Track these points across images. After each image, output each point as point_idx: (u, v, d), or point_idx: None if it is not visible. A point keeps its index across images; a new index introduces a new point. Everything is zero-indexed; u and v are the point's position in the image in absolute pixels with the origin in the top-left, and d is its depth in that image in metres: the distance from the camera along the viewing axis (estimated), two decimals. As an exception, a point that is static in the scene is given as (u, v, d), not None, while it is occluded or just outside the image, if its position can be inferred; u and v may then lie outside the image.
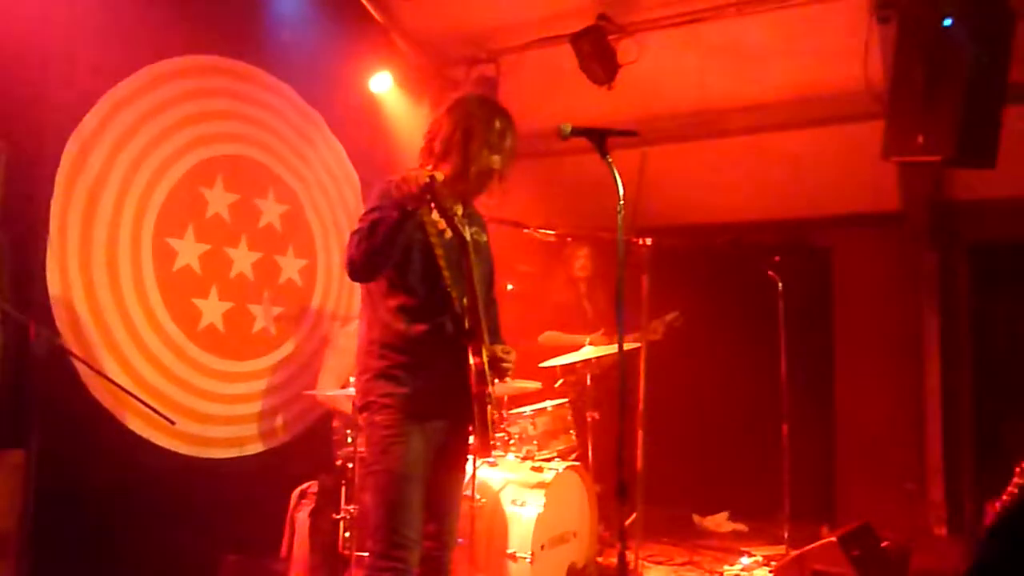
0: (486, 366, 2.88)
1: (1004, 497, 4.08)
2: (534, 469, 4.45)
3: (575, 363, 5.10)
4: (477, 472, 4.21)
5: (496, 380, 2.98)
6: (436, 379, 2.89)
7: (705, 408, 6.68)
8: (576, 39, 5.29)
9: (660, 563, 5.27)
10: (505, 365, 3.01)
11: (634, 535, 4.58)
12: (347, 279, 2.96)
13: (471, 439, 3.04)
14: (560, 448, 4.80)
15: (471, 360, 2.87)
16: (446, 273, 2.86)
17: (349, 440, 4.26)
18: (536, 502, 4.22)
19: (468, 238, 2.86)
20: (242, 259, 5.06)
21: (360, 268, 2.80)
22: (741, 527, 6.17)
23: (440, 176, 2.69)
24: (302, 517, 4.52)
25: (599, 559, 4.77)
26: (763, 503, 5.68)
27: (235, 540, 4.56)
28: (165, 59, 4.68)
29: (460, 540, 3.70)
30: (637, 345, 4.67)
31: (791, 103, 5.60)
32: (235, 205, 5.03)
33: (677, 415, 6.24)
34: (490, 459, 4.47)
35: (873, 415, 6.25)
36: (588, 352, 4.89)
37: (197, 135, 4.85)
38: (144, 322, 4.57)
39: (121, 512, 4.18)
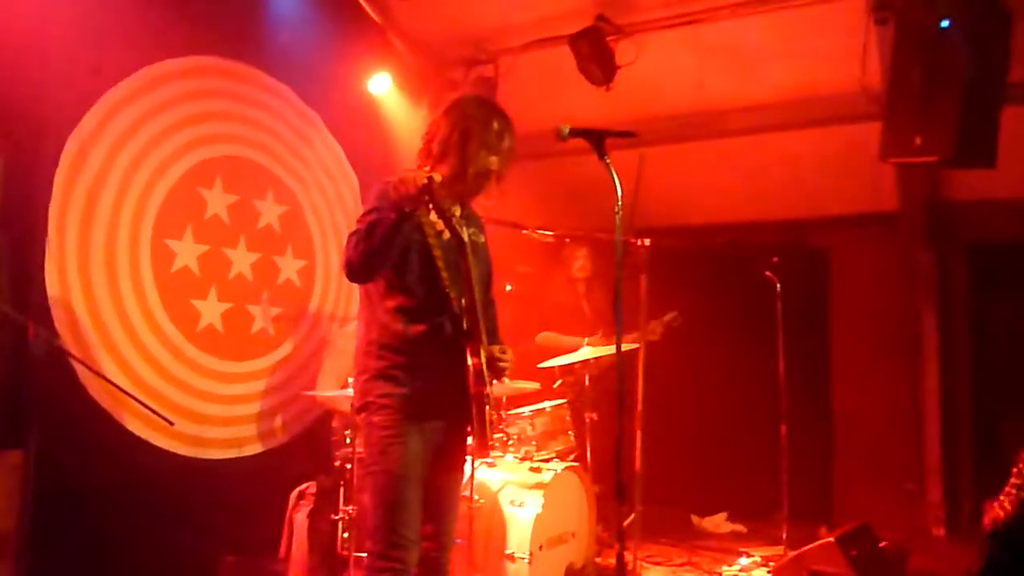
0: (484, 367, 2.89)
1: (1000, 497, 4.09)
2: (532, 470, 4.45)
3: (573, 364, 5.10)
4: (475, 472, 4.21)
5: (494, 381, 2.99)
6: (434, 380, 2.90)
7: (704, 409, 6.69)
8: (574, 40, 5.30)
9: (658, 564, 5.27)
10: (502, 366, 3.02)
11: (632, 536, 4.58)
12: (345, 280, 2.96)
13: (469, 440, 3.04)
14: (559, 449, 4.80)
15: (469, 361, 2.87)
16: (444, 274, 2.87)
17: (347, 441, 4.26)
18: (534, 503, 4.22)
19: (466, 239, 2.87)
20: (241, 260, 5.06)
21: (358, 269, 2.81)
22: (739, 527, 6.17)
23: (438, 177, 2.70)
24: (301, 518, 4.53)
25: (597, 560, 4.77)
26: (761, 503, 5.69)
27: (234, 541, 4.55)
28: (164, 60, 4.68)
29: (458, 540, 3.71)
30: (635, 346, 4.68)
31: (789, 104, 5.61)
32: (234, 206, 5.03)
33: (676, 416, 6.24)
34: (488, 459, 4.47)
35: (871, 415, 6.26)
36: (586, 353, 4.89)
37: (196, 136, 4.85)
38: (143, 323, 4.57)
39: (120, 513, 4.18)
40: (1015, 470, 4.11)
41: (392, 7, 5.84)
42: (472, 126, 2.96)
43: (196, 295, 4.83)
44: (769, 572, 4.89)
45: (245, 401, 5.07)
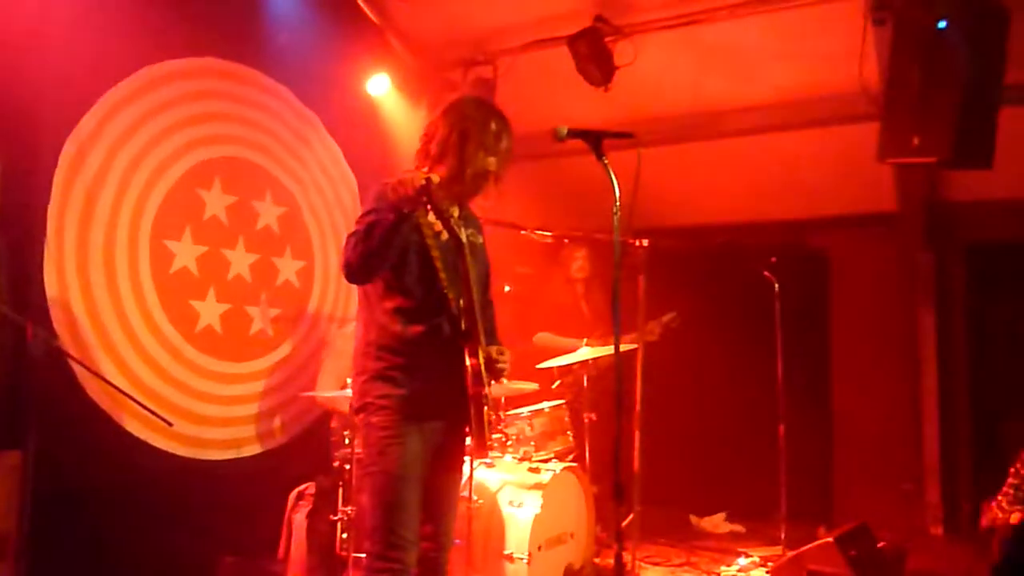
0: (482, 367, 2.90)
1: (998, 497, 4.10)
2: (531, 470, 4.46)
3: (572, 364, 5.11)
4: (474, 473, 4.21)
5: (492, 381, 2.99)
6: (433, 380, 2.90)
7: (702, 409, 6.70)
8: (573, 41, 5.30)
9: (657, 564, 5.27)
10: (500, 367, 3.02)
11: (631, 536, 4.59)
12: (344, 281, 2.96)
13: (468, 440, 3.04)
14: (557, 449, 4.81)
15: (467, 361, 2.88)
16: (442, 275, 2.88)
17: (346, 441, 4.26)
18: (533, 503, 4.22)
19: (464, 240, 2.88)
20: (240, 261, 5.07)
21: (356, 270, 2.81)
22: (738, 528, 6.17)
23: (436, 178, 2.70)
24: (299, 518, 4.53)
25: (596, 560, 4.77)
26: (760, 504, 5.70)
27: (232, 541, 4.55)
28: (162, 61, 4.68)
29: (457, 541, 3.71)
30: (634, 346, 4.68)
31: (787, 105, 5.62)
32: (233, 207, 5.04)
33: (674, 416, 6.25)
34: (487, 460, 4.48)
35: (870, 416, 6.27)
36: (585, 353, 4.90)
37: (195, 137, 4.85)
38: (141, 324, 4.57)
39: (118, 513, 4.17)
40: (1012, 470, 4.12)
41: (390, 8, 5.85)
42: (470, 127, 2.96)
43: (195, 296, 4.83)
44: (768, 572, 4.89)
45: (244, 402, 5.07)
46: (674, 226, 6.54)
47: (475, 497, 4.22)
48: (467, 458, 3.51)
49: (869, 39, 4.61)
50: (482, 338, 2.95)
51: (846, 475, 6.39)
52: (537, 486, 4.31)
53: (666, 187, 5.99)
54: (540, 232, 4.86)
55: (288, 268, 5.36)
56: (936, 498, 6.05)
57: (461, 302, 2.90)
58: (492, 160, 2.97)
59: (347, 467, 4.20)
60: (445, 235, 2.81)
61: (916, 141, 4.10)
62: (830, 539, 4.30)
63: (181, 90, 4.79)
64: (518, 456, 4.60)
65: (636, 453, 4.56)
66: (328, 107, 5.62)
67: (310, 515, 4.50)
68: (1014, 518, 3.96)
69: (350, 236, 2.81)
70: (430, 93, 6.01)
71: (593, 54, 5.29)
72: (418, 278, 2.91)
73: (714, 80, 5.64)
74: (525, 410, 4.78)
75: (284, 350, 5.30)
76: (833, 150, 5.72)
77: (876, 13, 4.51)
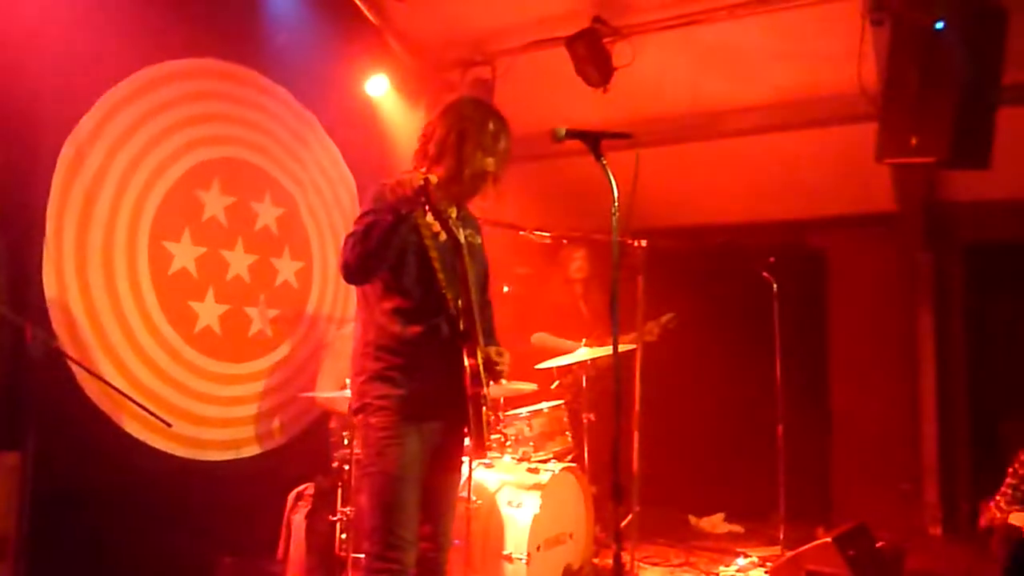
0: (481, 368, 2.90)
1: (997, 497, 4.10)
2: (530, 470, 4.46)
3: (571, 365, 5.11)
4: (473, 473, 4.22)
5: (490, 382, 2.99)
6: (432, 381, 2.90)
7: (701, 409, 6.69)
8: (571, 42, 5.30)
9: (656, 564, 5.28)
10: (500, 368, 3.03)
11: (630, 536, 4.59)
12: (343, 281, 2.97)
13: (467, 440, 3.05)
14: (556, 449, 4.81)
15: (466, 362, 2.88)
16: (441, 275, 2.88)
17: (345, 442, 4.26)
18: (532, 503, 4.22)
19: (462, 240, 2.88)
20: (238, 262, 5.07)
21: (355, 271, 2.82)
22: (737, 528, 6.17)
23: (434, 179, 2.71)
24: (298, 519, 4.53)
25: (595, 560, 4.77)
26: (759, 504, 5.70)
27: (231, 542, 4.55)
28: (161, 62, 4.69)
29: (456, 541, 3.72)
30: (633, 347, 4.68)
31: (785, 105, 5.62)
32: (231, 208, 5.04)
33: (673, 416, 6.25)
34: (486, 460, 4.48)
35: (868, 416, 6.27)
36: (584, 354, 4.90)
37: (193, 138, 4.85)
38: (140, 324, 4.58)
39: (117, 514, 4.17)
40: (1011, 470, 4.13)
41: (389, 9, 5.85)
42: (468, 128, 2.97)
43: (194, 297, 4.83)
44: (767, 572, 4.90)
45: (243, 403, 5.07)
46: (673, 226, 6.54)
47: (474, 497, 4.22)
48: (466, 458, 3.51)
49: (867, 40, 4.61)
50: (481, 339, 2.95)
51: (845, 475, 6.40)
52: (536, 486, 4.31)
53: (665, 187, 5.99)
54: (539, 232, 4.86)
55: (287, 269, 5.37)
56: (935, 498, 6.06)
57: (459, 303, 2.90)
58: (490, 160, 2.98)
59: (346, 468, 4.20)
60: (443, 236, 2.81)
61: (914, 141, 4.10)
62: (829, 539, 4.30)
63: (180, 91, 4.79)
64: (517, 456, 4.61)
65: (635, 453, 4.56)
66: (327, 108, 5.62)
67: (309, 516, 4.50)
68: (1012, 518, 3.97)
69: (348, 237, 2.82)
70: (429, 94, 6.02)
71: (591, 55, 5.29)
72: (416, 279, 2.91)
73: (712, 81, 5.65)
74: (524, 410, 4.78)
75: (283, 351, 5.30)
76: (831, 150, 5.72)
77: (874, 14, 4.51)
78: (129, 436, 4.43)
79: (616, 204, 2.66)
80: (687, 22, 5.24)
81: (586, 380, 5.18)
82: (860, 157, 4.64)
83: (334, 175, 5.73)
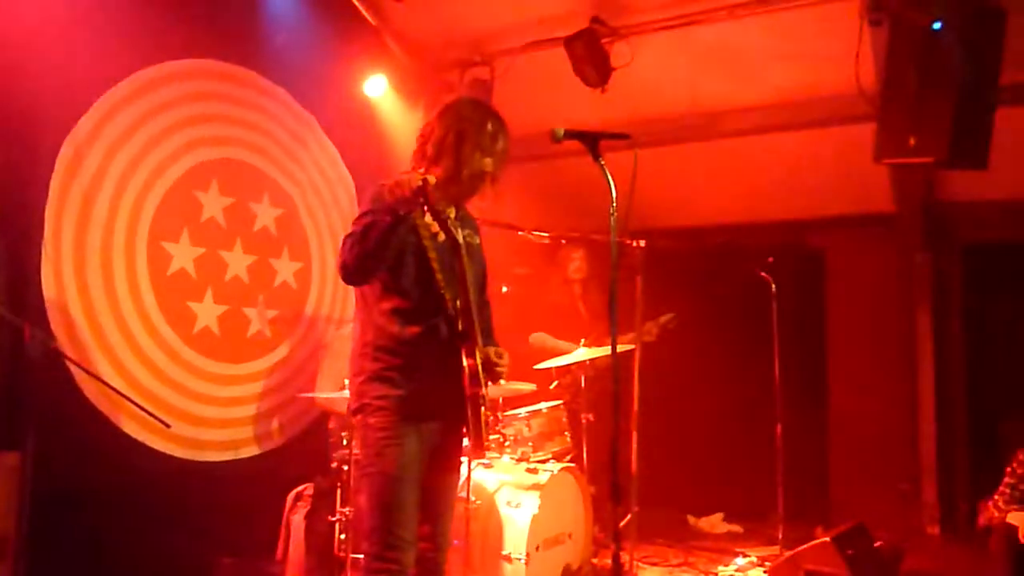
0: (480, 368, 2.90)
1: (995, 497, 4.11)
2: (529, 471, 4.46)
3: (570, 365, 5.11)
4: (472, 474, 4.22)
5: (489, 383, 3.00)
6: (430, 381, 2.90)
7: (700, 409, 6.70)
8: (569, 42, 5.30)
9: (655, 564, 5.28)
10: (499, 369, 3.03)
11: (629, 536, 4.59)
12: (341, 282, 2.97)
13: (466, 441, 3.05)
14: (555, 450, 4.81)
15: (465, 362, 2.88)
16: (439, 276, 2.88)
17: (344, 443, 4.26)
18: (531, 503, 4.22)
19: (461, 240, 2.88)
20: (237, 262, 5.07)
21: (353, 271, 2.82)
22: (736, 528, 6.18)
23: (432, 179, 2.71)
24: (298, 519, 4.53)
25: (594, 560, 4.78)
26: (758, 504, 5.71)
27: (230, 543, 4.55)
28: (159, 63, 4.69)
29: (455, 542, 3.72)
30: (631, 347, 4.68)
31: (784, 106, 5.63)
32: (230, 208, 5.04)
33: (672, 417, 6.26)
34: (485, 460, 4.48)
35: (867, 415, 6.27)
36: (582, 354, 4.90)
37: (192, 139, 4.86)
38: (139, 325, 4.58)
39: (116, 515, 4.17)
40: (1009, 469, 4.13)
41: (387, 9, 5.85)
42: (466, 128, 2.97)
43: (192, 297, 4.83)
44: (765, 572, 4.90)
45: (242, 403, 5.07)
46: (671, 227, 6.55)
47: (473, 498, 4.22)
48: (464, 459, 3.52)
49: (865, 40, 4.61)
50: (479, 339, 2.95)
51: (843, 475, 6.40)
52: (535, 487, 4.31)
53: (663, 188, 6.00)
54: (537, 233, 4.86)
55: (286, 269, 5.37)
56: (933, 498, 6.06)
57: (458, 303, 2.90)
58: (488, 161, 2.98)
59: (345, 468, 4.20)
60: (442, 236, 2.81)
61: (913, 141, 4.11)
62: (827, 539, 4.31)
63: (178, 92, 4.79)
64: (516, 457, 4.61)
65: (634, 454, 4.56)
66: (325, 108, 5.62)
67: (308, 516, 4.50)
68: (1011, 517, 3.97)
69: (346, 237, 2.82)
70: (427, 94, 6.02)
71: (590, 55, 5.29)
72: (415, 279, 2.91)
73: (711, 81, 5.65)
74: (523, 411, 4.78)
75: (282, 351, 5.30)
76: (830, 151, 5.73)
77: (872, 14, 4.51)
78: (128, 437, 4.43)
79: (614, 204, 2.66)
80: (685, 22, 5.25)
81: (585, 380, 5.18)
82: (858, 157, 4.65)
83: (333, 176, 5.73)
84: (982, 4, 4.08)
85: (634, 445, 4.56)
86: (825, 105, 5.38)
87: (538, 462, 4.57)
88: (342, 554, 4.17)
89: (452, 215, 2.84)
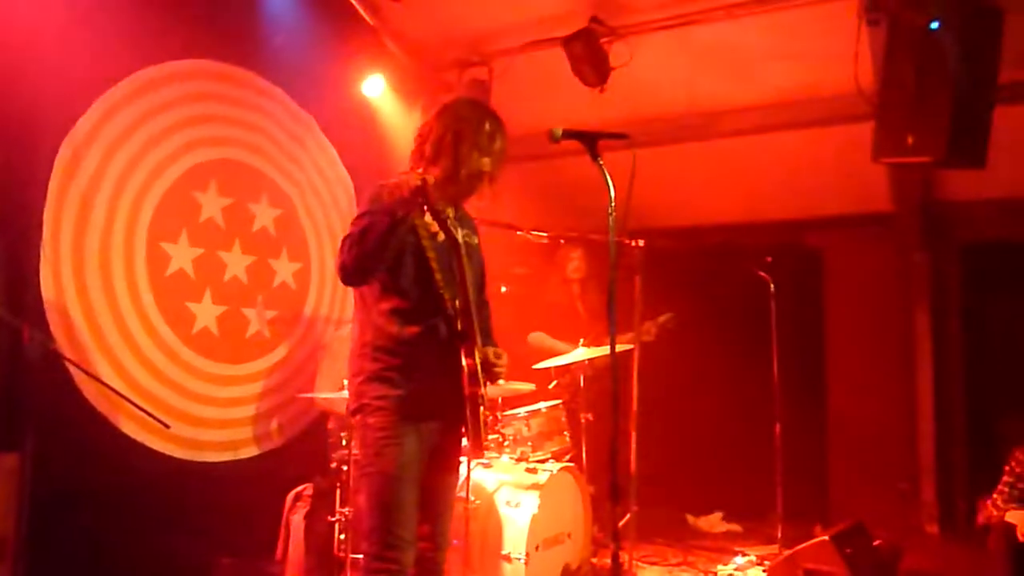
0: (479, 368, 2.90)
1: (993, 496, 4.11)
2: (528, 470, 4.46)
3: (569, 365, 5.11)
4: (472, 473, 4.22)
5: (488, 383, 3.00)
6: (429, 381, 2.90)
7: (698, 409, 6.70)
8: (568, 42, 5.30)
9: (654, 563, 5.29)
10: (497, 370, 3.03)
11: (628, 536, 4.59)
12: (340, 282, 2.97)
13: (464, 440, 3.05)
14: (554, 449, 4.81)
15: (464, 362, 2.88)
16: (438, 276, 2.89)
17: (344, 443, 4.26)
18: (530, 503, 4.23)
19: (460, 240, 2.88)
20: (236, 263, 5.07)
21: (352, 273, 2.82)
22: (735, 527, 6.19)
23: (431, 179, 2.72)
24: (297, 520, 4.53)
25: (593, 560, 4.78)
26: (756, 503, 5.71)
27: (230, 543, 4.55)
28: (157, 64, 4.69)
29: (455, 541, 3.72)
30: (630, 346, 4.69)
31: (782, 105, 5.63)
32: (228, 209, 5.04)
33: (671, 416, 6.26)
34: (484, 460, 4.48)
35: (865, 415, 6.28)
36: (582, 354, 4.90)
37: (190, 139, 4.86)
38: (138, 326, 4.58)
39: (116, 516, 4.17)
40: (1007, 468, 4.14)
41: (385, 9, 5.85)
42: (464, 128, 2.97)
43: (191, 298, 4.83)
44: (764, 571, 4.91)
45: (241, 404, 5.07)
46: (670, 226, 6.55)
47: (472, 497, 4.22)
48: (464, 458, 3.52)
49: (863, 39, 4.61)
50: (478, 339, 2.95)
51: (842, 474, 6.41)
52: (534, 486, 4.31)
53: (662, 188, 6.00)
54: (536, 233, 4.86)
55: (284, 270, 5.37)
56: (932, 496, 6.06)
57: (457, 303, 2.91)
58: (486, 161, 2.98)
59: (344, 468, 4.20)
60: (441, 236, 2.82)
61: (911, 141, 4.11)
62: (826, 538, 4.32)
63: (177, 92, 4.79)
64: (515, 456, 4.61)
65: (633, 453, 4.56)
66: (324, 109, 5.62)
67: (308, 516, 4.50)
68: (1009, 516, 3.97)
69: (345, 238, 2.82)
70: (425, 94, 6.02)
71: (588, 55, 5.29)
72: (414, 279, 2.91)
73: (709, 81, 5.65)
74: (522, 410, 4.78)
75: (281, 352, 5.30)
76: (828, 150, 5.73)
77: (870, 14, 4.52)
78: (127, 437, 4.43)
79: (613, 204, 2.66)
80: (684, 22, 5.24)
81: (584, 380, 5.18)
82: (857, 157, 4.65)
83: (331, 176, 5.73)
84: (980, 3, 4.09)
85: (633, 445, 4.56)
86: (823, 105, 5.39)
87: (537, 462, 4.57)
88: (342, 554, 4.17)
89: (451, 215, 2.85)
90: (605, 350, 4.73)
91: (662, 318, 5.53)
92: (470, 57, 5.97)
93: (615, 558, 2.71)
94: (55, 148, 4.26)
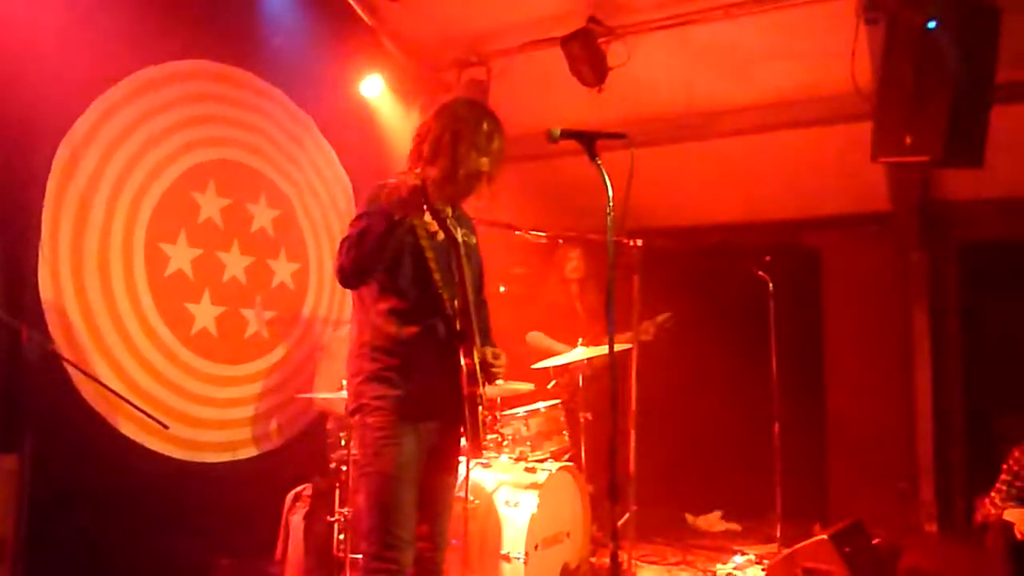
0: (477, 368, 2.90)
1: (992, 494, 4.12)
2: (527, 470, 4.46)
3: (568, 364, 5.12)
4: (471, 473, 4.22)
5: (486, 383, 3.00)
6: (428, 381, 2.90)
7: (697, 408, 6.70)
8: (566, 42, 5.31)
9: (653, 563, 5.29)
10: (495, 370, 3.03)
11: (627, 535, 4.59)
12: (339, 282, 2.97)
13: (463, 440, 3.05)
14: (553, 449, 4.81)
15: (462, 362, 2.89)
16: (436, 275, 2.89)
17: (343, 443, 4.26)
18: (529, 503, 4.23)
19: (459, 240, 2.88)
20: (234, 263, 5.07)
21: (350, 276, 2.83)
22: (734, 526, 6.19)
23: (430, 179, 2.72)
24: (296, 520, 4.53)
25: (592, 559, 4.78)
26: (755, 502, 5.71)
27: (229, 544, 4.56)
28: (156, 64, 4.69)
29: (453, 541, 3.72)
30: (629, 346, 4.69)
31: (780, 105, 5.63)
32: (227, 209, 5.04)
33: (669, 415, 6.26)
34: (483, 460, 4.49)
35: (864, 414, 6.28)
36: (580, 353, 4.91)
37: (189, 140, 4.86)
38: (136, 327, 4.58)
39: (115, 517, 4.18)
40: (1005, 467, 4.14)
41: (383, 10, 5.85)
42: (462, 128, 2.97)
43: (190, 299, 4.83)
44: (763, 570, 4.91)
45: (240, 404, 5.07)
46: (668, 226, 6.56)
47: (471, 497, 4.22)
48: (463, 458, 3.52)
49: (862, 39, 4.62)
50: (477, 339, 2.95)
51: (841, 473, 6.41)
52: (533, 486, 4.32)
53: (660, 187, 6.00)
54: (535, 232, 4.86)
55: (283, 270, 5.37)
56: (930, 495, 6.07)
57: (455, 303, 2.91)
58: (484, 160, 2.98)
59: (343, 468, 4.21)
60: (440, 235, 2.82)
61: (909, 140, 4.12)
62: (825, 537, 4.32)
63: (175, 93, 4.79)
64: (514, 456, 4.61)
65: (631, 452, 4.56)
66: (322, 109, 5.63)
67: (307, 516, 4.50)
68: (1007, 514, 3.98)
69: (343, 240, 2.82)
70: (424, 95, 6.02)
71: (586, 55, 5.30)
72: (412, 279, 2.91)
73: (707, 80, 5.65)
74: (521, 410, 4.78)
75: (279, 352, 5.30)
76: (826, 150, 5.73)
77: (868, 13, 4.52)
78: (126, 438, 4.43)
79: (611, 204, 2.66)
80: (682, 22, 5.25)
81: (583, 380, 5.19)
82: (855, 156, 4.66)
83: (330, 176, 5.73)
84: (977, 3, 4.09)
85: (632, 444, 4.57)
86: (821, 104, 5.39)
87: (536, 461, 4.57)
88: (341, 554, 4.17)
89: (449, 214, 2.85)
90: (604, 350, 4.75)
91: (660, 318, 5.53)
92: (468, 57, 5.97)
93: (614, 557, 2.71)
94: (53, 149, 4.26)
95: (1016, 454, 4.14)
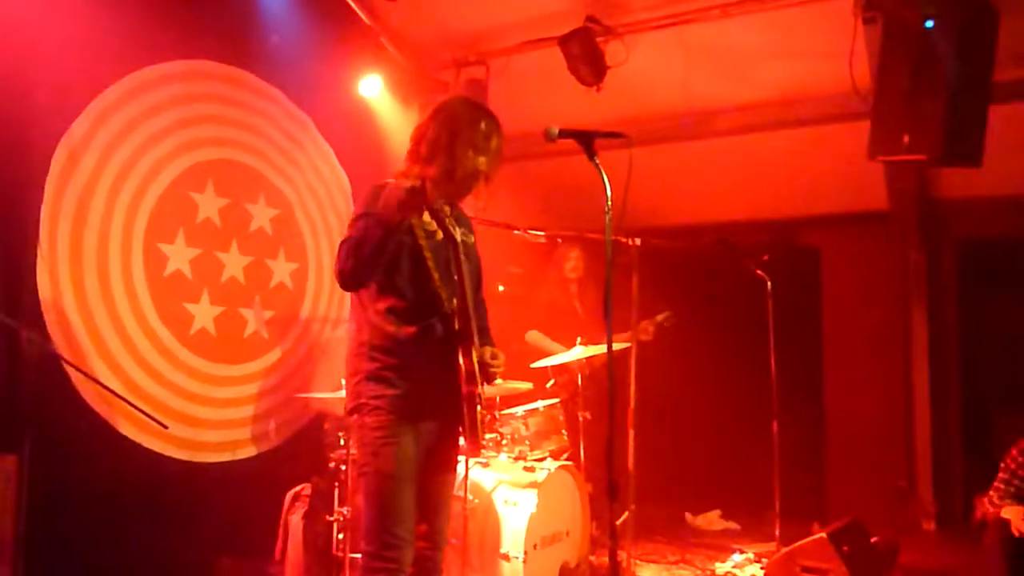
0: (476, 367, 2.90)
1: (990, 492, 4.12)
2: (526, 469, 4.47)
3: (566, 363, 5.12)
4: (470, 472, 4.23)
5: (484, 383, 3.00)
6: (427, 381, 2.91)
7: (696, 407, 6.72)
8: (564, 41, 5.31)
9: (653, 561, 5.29)
10: (493, 370, 3.04)
11: (626, 534, 4.60)
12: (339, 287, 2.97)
13: (462, 440, 3.06)
14: (552, 448, 4.81)
15: (461, 361, 2.89)
16: (435, 275, 2.89)
17: (341, 443, 4.26)
18: (528, 502, 4.23)
19: (458, 239, 2.89)
20: (233, 263, 5.07)
21: (350, 278, 2.83)
22: (733, 525, 6.20)
23: (428, 179, 2.72)
24: (296, 520, 4.53)
25: (591, 558, 4.79)
26: (754, 501, 5.72)
27: (229, 544, 4.56)
28: (154, 64, 4.68)
29: (453, 540, 3.72)
30: (628, 345, 4.70)
31: (778, 104, 5.64)
32: (226, 209, 5.04)
33: (668, 414, 6.28)
34: (482, 459, 4.49)
35: (862, 412, 6.30)
36: (579, 353, 4.91)
37: (187, 140, 4.85)
38: (135, 327, 4.58)
39: (114, 517, 4.18)
40: (1003, 465, 4.15)
41: (382, 9, 5.85)
42: (459, 127, 2.97)
43: (189, 299, 4.83)
44: (762, 568, 4.92)
45: (239, 404, 5.07)
46: (667, 225, 6.56)
47: (471, 496, 4.23)
48: (461, 458, 3.52)
49: (859, 38, 4.62)
50: (476, 338, 2.96)
51: (839, 471, 6.43)
52: (532, 485, 4.32)
53: (658, 186, 6.01)
54: (533, 232, 4.87)
55: (282, 270, 5.37)
56: (928, 493, 6.09)
57: (454, 302, 2.91)
58: (482, 160, 2.98)
59: (343, 468, 4.21)
60: (439, 234, 2.82)
61: (906, 139, 4.12)
62: (824, 535, 4.33)
63: (173, 93, 4.79)
64: (513, 455, 4.61)
65: (630, 451, 4.57)
66: (320, 109, 5.62)
67: (306, 516, 4.50)
68: (1005, 512, 3.99)
69: (342, 244, 2.82)
70: (422, 94, 6.02)
71: (585, 54, 5.30)
72: (410, 279, 2.92)
73: (705, 80, 5.66)
74: (520, 409, 4.78)
75: (278, 352, 5.30)
76: (824, 149, 5.74)
77: (866, 12, 4.53)
78: (125, 438, 4.43)
79: (610, 203, 2.66)
80: (680, 21, 5.25)
81: (581, 379, 5.19)
82: (853, 155, 4.66)
83: (328, 176, 5.73)
84: (975, 2, 4.10)
85: (631, 443, 4.57)
86: (819, 103, 5.40)
87: (535, 460, 4.58)
88: (340, 554, 4.18)
89: (447, 214, 2.85)
90: (602, 349, 4.75)
91: (660, 317, 5.54)
92: (467, 57, 5.98)
93: (613, 556, 2.71)
94: (51, 149, 4.25)
95: (1014, 452, 4.15)
